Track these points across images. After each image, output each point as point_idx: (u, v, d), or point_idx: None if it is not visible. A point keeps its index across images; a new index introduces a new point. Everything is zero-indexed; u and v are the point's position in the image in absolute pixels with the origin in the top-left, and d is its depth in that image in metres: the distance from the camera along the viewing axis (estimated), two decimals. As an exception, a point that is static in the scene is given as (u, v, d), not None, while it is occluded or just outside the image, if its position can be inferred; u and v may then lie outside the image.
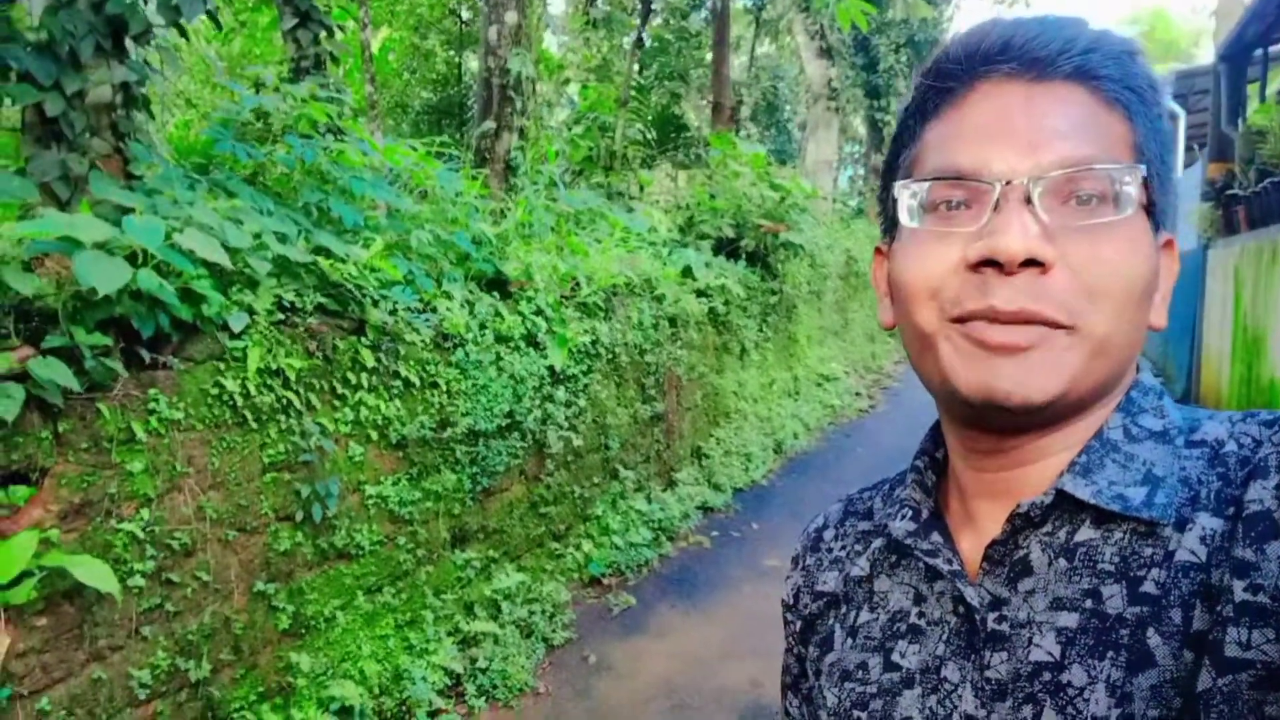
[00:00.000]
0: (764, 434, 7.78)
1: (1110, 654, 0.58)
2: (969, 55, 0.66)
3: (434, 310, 3.91)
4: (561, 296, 4.80)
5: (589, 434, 5.11)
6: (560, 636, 4.42)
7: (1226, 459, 0.62)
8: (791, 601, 0.86)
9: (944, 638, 0.68)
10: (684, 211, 7.91)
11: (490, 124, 5.40)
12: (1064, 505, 0.64)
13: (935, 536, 0.71)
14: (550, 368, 4.61)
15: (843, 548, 0.83)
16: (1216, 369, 8.48)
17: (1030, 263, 0.60)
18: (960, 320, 0.63)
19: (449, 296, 4.02)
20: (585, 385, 5.02)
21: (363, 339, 3.55)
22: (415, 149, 4.32)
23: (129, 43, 3.51)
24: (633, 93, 9.92)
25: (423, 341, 3.80)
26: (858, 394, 10.48)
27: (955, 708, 0.65)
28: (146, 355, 2.82)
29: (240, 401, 3.05)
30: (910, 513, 0.74)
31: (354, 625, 3.51)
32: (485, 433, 4.18)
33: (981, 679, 0.64)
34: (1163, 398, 0.68)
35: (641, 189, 10.53)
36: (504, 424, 4.30)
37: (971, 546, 0.70)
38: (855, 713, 0.73)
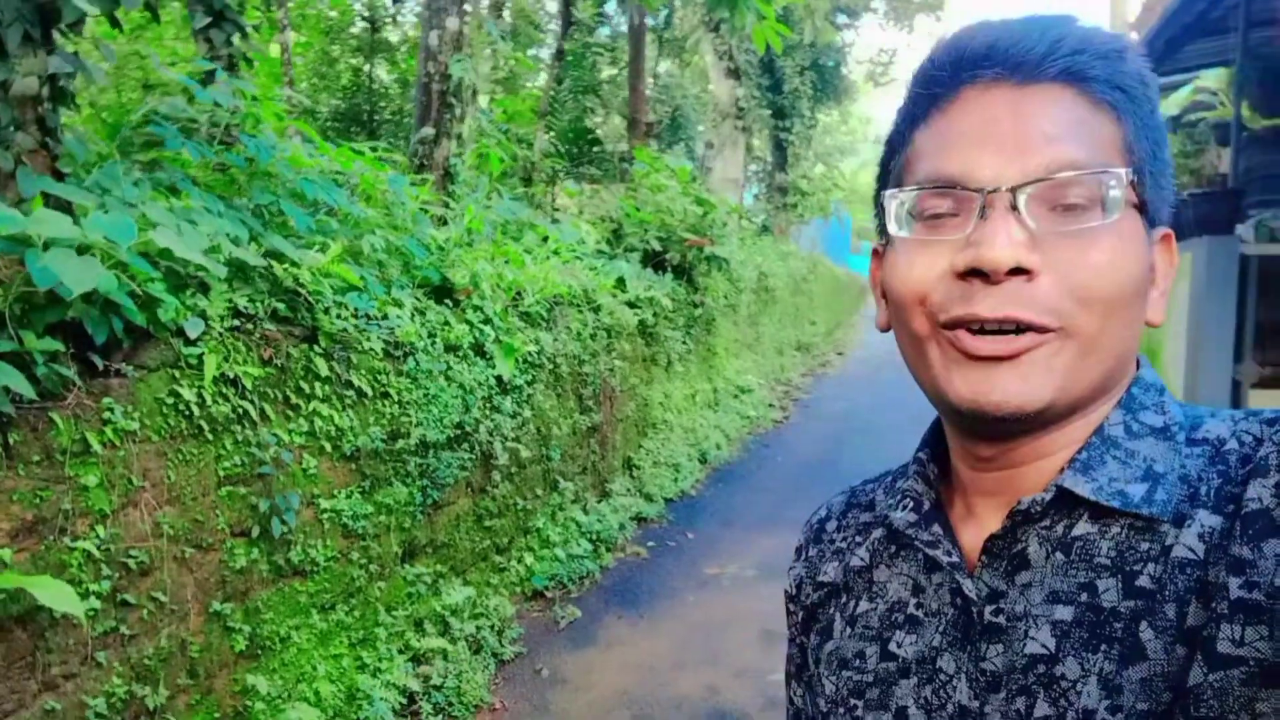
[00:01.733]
0: (689, 444, 7.84)
1: (1104, 647, 0.59)
2: (955, 60, 0.66)
3: (385, 318, 3.80)
4: (506, 306, 4.74)
5: (532, 445, 5.05)
6: (510, 651, 4.33)
7: (1227, 456, 0.62)
8: (794, 592, 0.87)
9: (941, 629, 0.69)
10: (609, 224, 7.92)
11: (429, 130, 5.29)
12: (1064, 501, 0.64)
13: (936, 528, 0.71)
14: (498, 377, 4.54)
15: (844, 539, 0.83)
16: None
17: (1017, 270, 0.60)
18: (948, 327, 0.64)
19: (399, 304, 3.91)
20: (529, 396, 4.96)
21: (315, 347, 3.42)
22: (363, 153, 4.20)
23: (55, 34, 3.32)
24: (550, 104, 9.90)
25: (375, 350, 3.69)
26: (771, 405, 10.67)
27: (950, 698, 0.66)
28: (99, 362, 2.65)
29: (196, 411, 2.89)
30: (911, 503, 0.74)
31: (309, 645, 3.37)
32: (435, 444, 4.08)
33: (976, 670, 0.65)
34: (1164, 394, 0.68)
35: (554, 202, 10.50)
36: (454, 435, 4.20)
37: (972, 540, 0.70)
38: (852, 700, 0.73)
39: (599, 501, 6.09)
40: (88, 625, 2.54)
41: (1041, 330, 0.60)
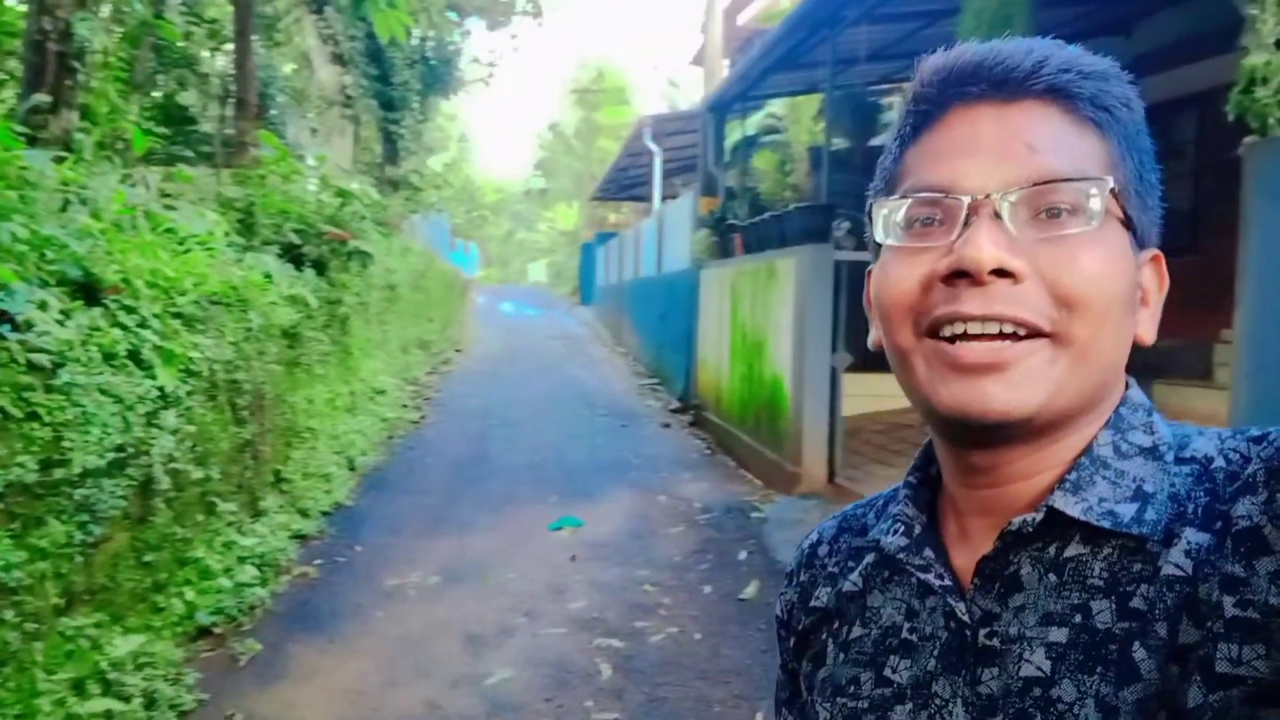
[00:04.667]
0: (335, 452, 7.40)
1: (1099, 669, 0.59)
2: (943, 79, 0.68)
3: (30, 324, 3.13)
4: (164, 307, 4.13)
5: (192, 464, 4.45)
6: (189, 700, 3.79)
7: (1215, 475, 0.63)
8: (785, 618, 0.86)
9: (935, 653, 0.68)
10: (235, 212, 7.18)
11: (43, 98, 4.37)
12: (1054, 522, 0.64)
13: (927, 552, 0.71)
14: (160, 389, 3.94)
15: (836, 564, 0.82)
16: (715, 368, 10.06)
17: (1002, 274, 0.61)
18: (932, 332, 0.65)
19: (44, 306, 3.24)
20: (189, 408, 4.36)
21: (-56, 360, 2.73)
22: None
23: None
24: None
25: (19, 363, 3.03)
26: (405, 406, 10.42)
27: None
28: None
29: None
30: (903, 528, 0.74)
31: (-43, 735, 2.68)
32: (96, 471, 3.44)
33: (973, 694, 0.64)
34: (1152, 414, 0.69)
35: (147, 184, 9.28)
36: (115, 459, 3.58)
37: (965, 562, 0.69)
38: None
39: (254, 521, 5.53)
40: None
41: (1034, 333, 0.62)
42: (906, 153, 0.70)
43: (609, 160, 25.76)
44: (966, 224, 0.63)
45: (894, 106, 12.81)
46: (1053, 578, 0.63)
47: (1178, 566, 0.59)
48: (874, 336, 0.73)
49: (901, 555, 0.72)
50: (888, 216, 0.69)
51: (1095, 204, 0.63)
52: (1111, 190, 0.64)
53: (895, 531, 0.74)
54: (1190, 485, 0.63)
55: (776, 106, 13.49)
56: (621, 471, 8.19)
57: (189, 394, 4.35)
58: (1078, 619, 0.61)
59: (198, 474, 4.41)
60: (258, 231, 6.91)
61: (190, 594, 4.47)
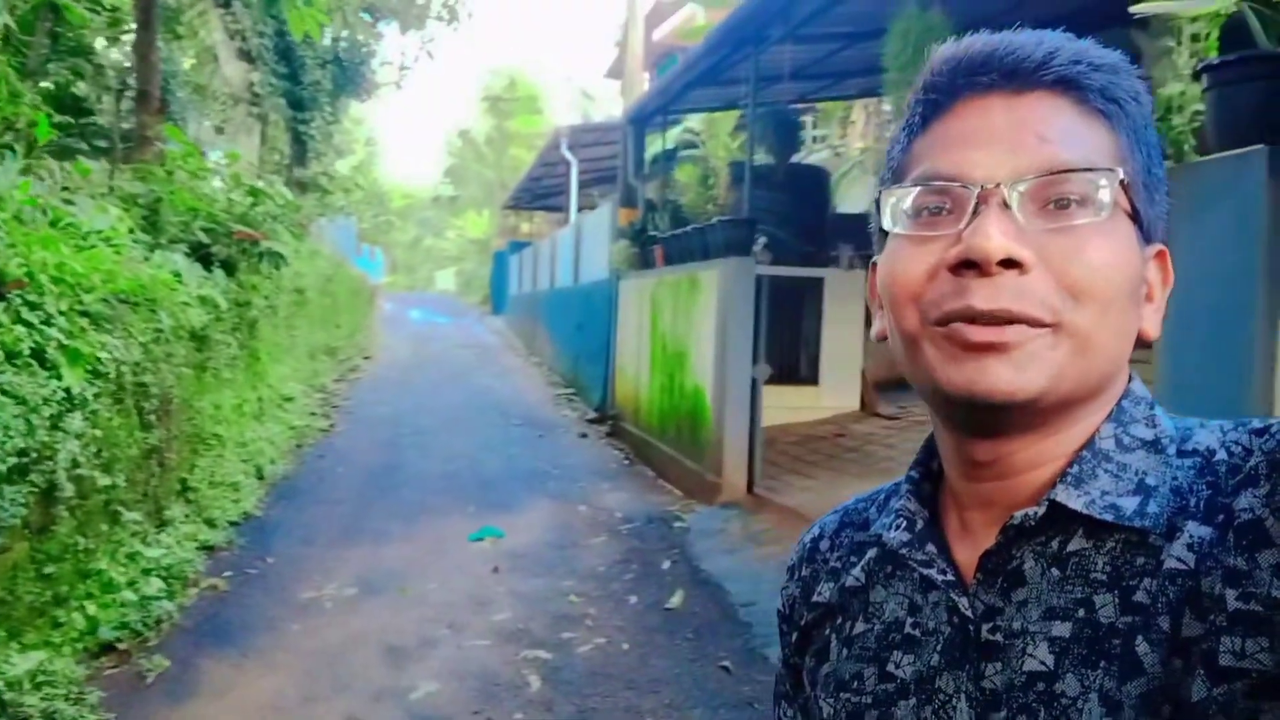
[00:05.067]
0: (243, 460, 7.12)
1: (1103, 663, 0.59)
2: (953, 69, 0.68)
3: (-73, 316, 2.92)
4: (71, 304, 3.90)
5: (98, 471, 4.21)
6: (93, 721, 3.58)
7: (1217, 468, 0.63)
8: (787, 612, 0.86)
9: (939, 648, 0.68)
10: (139, 209, 6.86)
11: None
12: (1057, 515, 0.64)
13: (930, 547, 0.71)
14: (66, 391, 3.72)
15: (838, 558, 0.82)
16: (633, 378, 10.07)
17: (1009, 264, 0.61)
18: (941, 323, 0.64)
19: (-57, 299, 3.03)
20: (95, 411, 4.13)
21: None
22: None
23: None
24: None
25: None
26: (313, 413, 10.11)
27: (950, 717, 0.66)
28: None
29: None
30: (905, 523, 0.73)
31: None
32: (-4, 476, 3.22)
33: (976, 689, 0.64)
34: (1154, 407, 0.69)
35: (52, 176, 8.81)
36: (17, 464, 3.36)
37: (967, 557, 0.69)
38: None
39: (159, 531, 5.27)
40: None
41: (1036, 324, 0.61)
42: (915, 142, 0.70)
43: (521, 169, 25.62)
44: (975, 213, 0.63)
45: (812, 125, 13.12)
46: (1055, 572, 0.63)
47: (1180, 560, 0.59)
48: (878, 327, 0.73)
49: (904, 550, 0.72)
50: (896, 205, 0.68)
51: (1104, 195, 0.63)
52: (1120, 182, 0.64)
53: (897, 526, 0.73)
54: (1192, 478, 0.63)
55: (694, 121, 13.64)
56: (540, 481, 8.12)
57: (95, 396, 4.12)
58: (1081, 613, 0.61)
59: (103, 481, 4.18)
60: (164, 229, 6.61)
61: (92, 608, 4.23)
